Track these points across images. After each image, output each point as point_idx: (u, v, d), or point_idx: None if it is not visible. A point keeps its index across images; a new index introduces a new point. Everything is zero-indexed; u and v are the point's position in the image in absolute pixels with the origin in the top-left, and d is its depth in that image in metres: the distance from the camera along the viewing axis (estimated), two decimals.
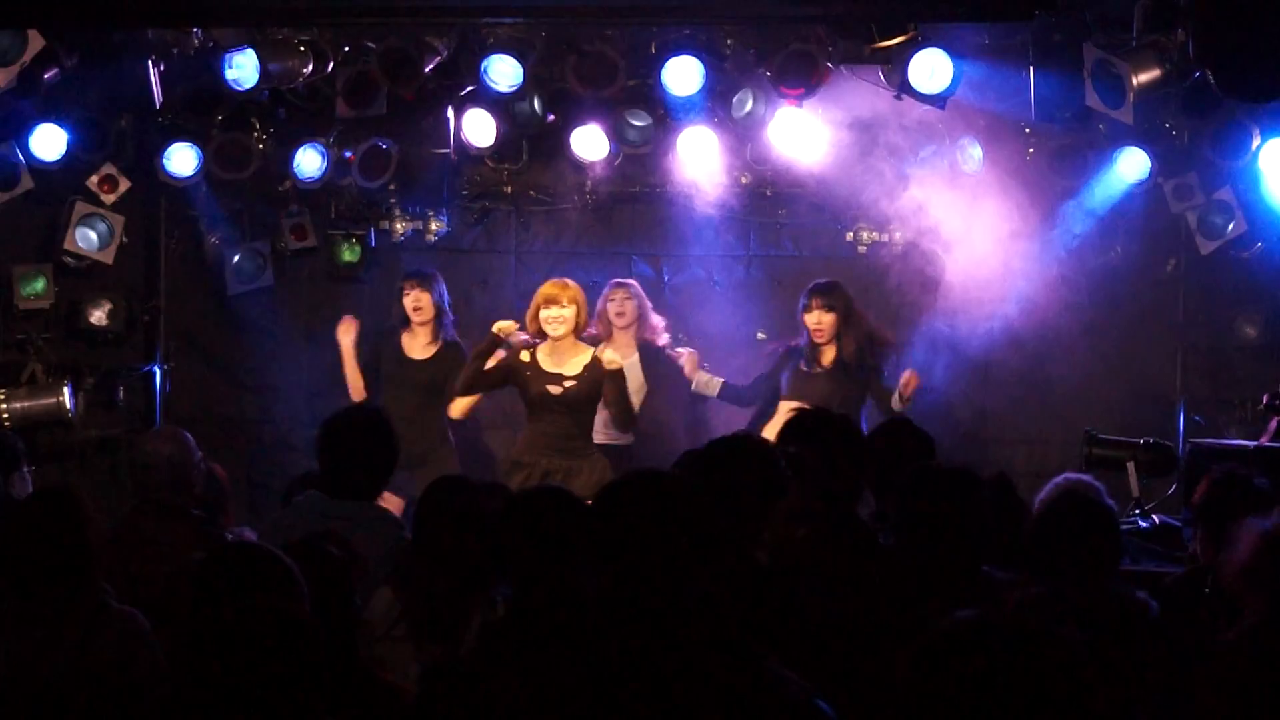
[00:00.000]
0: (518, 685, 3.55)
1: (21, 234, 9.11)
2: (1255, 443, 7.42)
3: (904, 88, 7.98)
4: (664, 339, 8.71)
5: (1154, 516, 7.24)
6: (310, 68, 8.27)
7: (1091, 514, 4.79)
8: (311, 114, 8.85)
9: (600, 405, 7.89)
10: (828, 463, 4.91)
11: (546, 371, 7.83)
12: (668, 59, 8.26)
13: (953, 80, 7.92)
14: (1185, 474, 7.28)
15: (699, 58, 8.25)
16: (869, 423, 7.82)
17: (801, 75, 8.13)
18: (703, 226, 9.52)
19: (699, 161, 8.98)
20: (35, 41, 7.80)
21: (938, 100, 8.05)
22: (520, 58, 8.25)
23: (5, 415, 8.67)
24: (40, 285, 8.96)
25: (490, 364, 7.85)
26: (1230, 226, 8.69)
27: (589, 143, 8.86)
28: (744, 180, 9.31)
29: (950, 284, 9.04)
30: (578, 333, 7.90)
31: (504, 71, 8.35)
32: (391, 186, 9.16)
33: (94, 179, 8.83)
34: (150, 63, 8.17)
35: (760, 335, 9.38)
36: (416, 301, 8.54)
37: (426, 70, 8.25)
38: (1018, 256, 8.87)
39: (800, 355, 8.28)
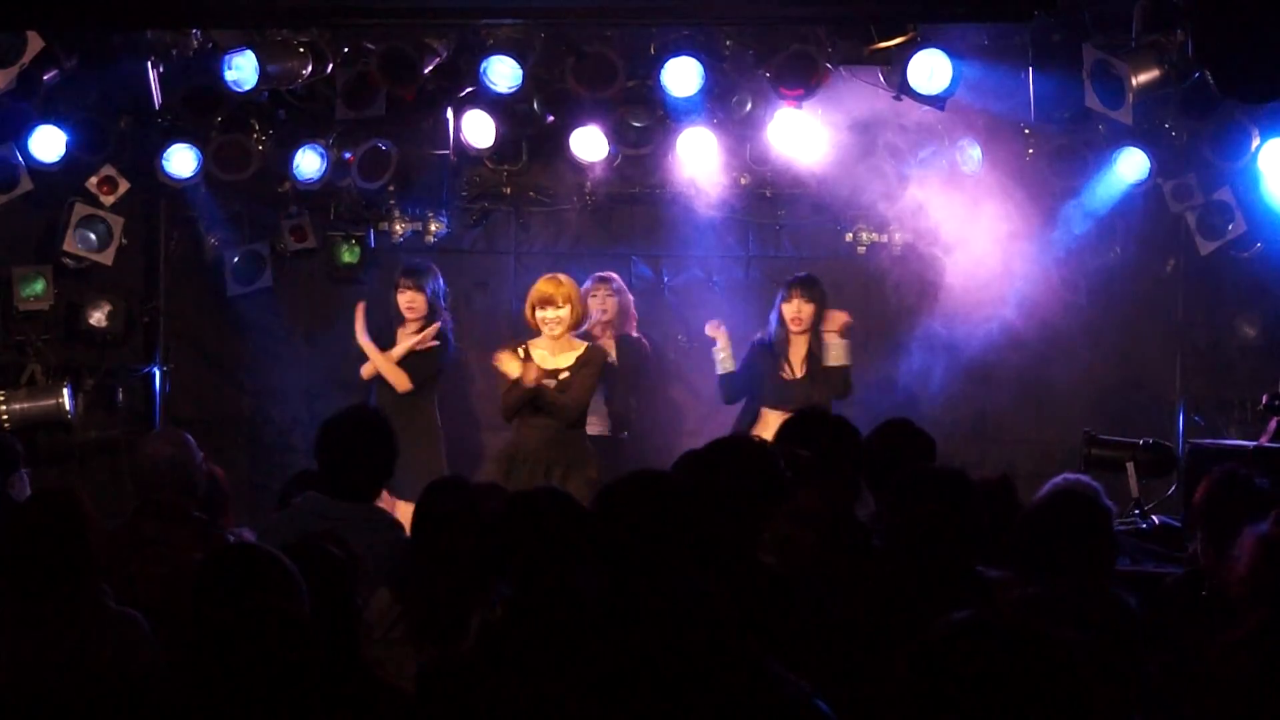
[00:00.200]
0: (516, 685, 3.55)
1: (21, 235, 9.11)
2: (1255, 443, 7.41)
3: (903, 89, 7.98)
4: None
5: (1153, 517, 7.24)
6: (309, 69, 8.27)
7: (1087, 514, 4.79)
8: (311, 115, 8.85)
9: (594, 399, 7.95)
10: (825, 464, 4.91)
11: (541, 368, 7.84)
12: (667, 60, 8.26)
13: (952, 81, 7.92)
14: (1185, 474, 7.27)
15: (698, 59, 8.25)
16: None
17: (801, 76, 8.13)
18: (702, 227, 9.52)
19: (698, 162, 8.98)
20: (34, 43, 7.80)
21: (937, 101, 8.05)
22: (519, 59, 8.26)
23: (5, 417, 8.68)
24: (40, 287, 8.96)
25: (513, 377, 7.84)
26: (1229, 227, 8.68)
27: (588, 144, 8.86)
28: (743, 181, 9.31)
29: (950, 285, 9.04)
30: (574, 329, 7.91)
31: (503, 72, 8.35)
32: (391, 188, 9.16)
33: (93, 180, 8.83)
34: (149, 64, 8.18)
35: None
36: (410, 301, 8.53)
37: (426, 71, 8.25)
38: (1017, 257, 8.87)
39: (770, 351, 8.33)
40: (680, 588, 3.38)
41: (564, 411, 7.79)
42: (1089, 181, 8.67)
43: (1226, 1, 7.04)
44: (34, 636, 4.41)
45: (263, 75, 8.18)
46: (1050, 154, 8.68)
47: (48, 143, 8.56)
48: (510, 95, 8.47)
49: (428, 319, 8.52)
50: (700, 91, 8.33)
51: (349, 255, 9.53)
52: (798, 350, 8.38)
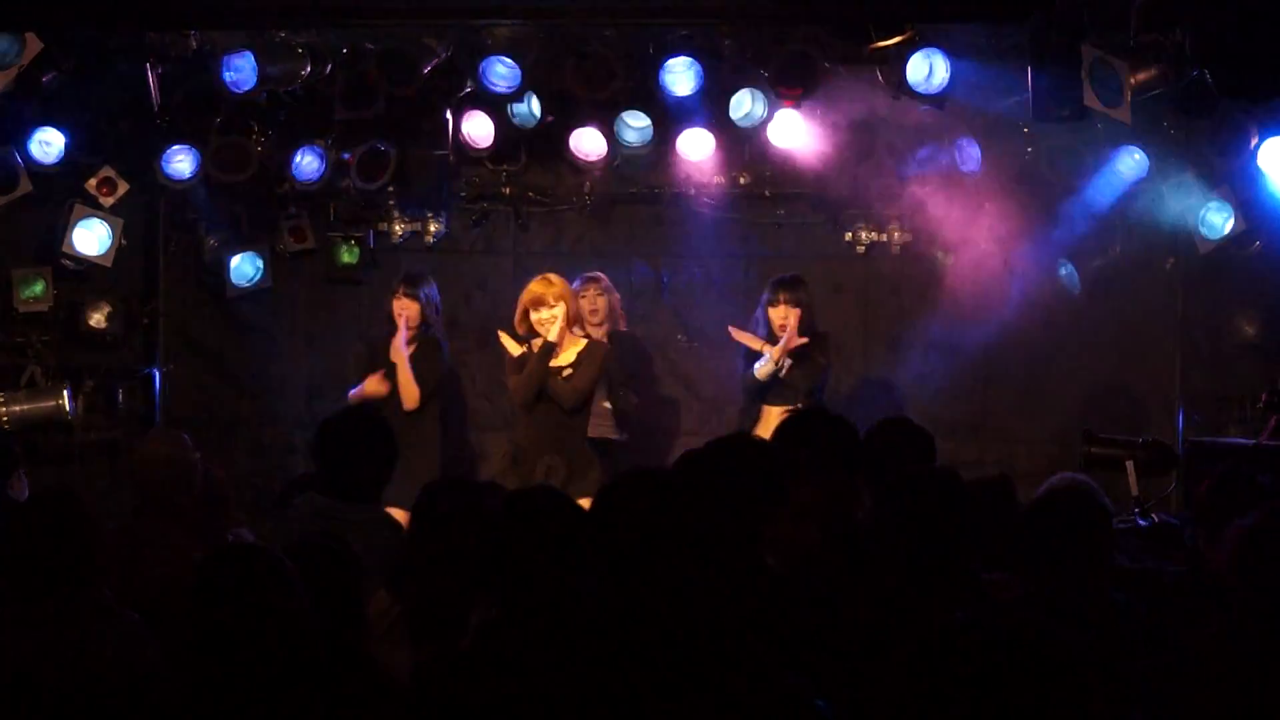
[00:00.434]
0: (514, 685, 3.55)
1: (20, 237, 9.11)
2: (1254, 441, 7.42)
3: (902, 88, 7.98)
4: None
5: (1153, 515, 7.24)
6: (308, 70, 8.27)
7: (1086, 513, 4.79)
8: (310, 116, 8.85)
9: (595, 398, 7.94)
10: (824, 462, 4.90)
11: (544, 340, 7.85)
12: (666, 60, 8.27)
13: (950, 80, 7.92)
14: (1184, 473, 7.28)
15: (697, 59, 8.26)
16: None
17: (799, 76, 8.13)
18: (701, 227, 9.52)
19: (697, 162, 8.98)
20: (34, 45, 7.80)
21: (936, 100, 8.06)
22: (518, 59, 8.26)
23: (5, 418, 8.67)
24: (39, 288, 8.96)
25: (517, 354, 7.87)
26: (1229, 225, 8.68)
27: (587, 144, 8.86)
28: (742, 181, 9.32)
29: (949, 284, 9.05)
30: (570, 325, 7.91)
31: (502, 73, 8.36)
32: (390, 188, 9.16)
33: (93, 182, 8.83)
34: (149, 66, 8.17)
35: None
36: (406, 309, 8.53)
37: (425, 72, 8.25)
38: (1016, 256, 8.87)
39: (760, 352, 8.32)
40: (680, 587, 3.38)
41: (571, 395, 7.80)
42: (1088, 180, 8.67)
43: (1226, 1, 7.05)
44: (34, 637, 4.41)
45: (262, 76, 8.19)
46: (1049, 153, 8.69)
47: (47, 144, 8.57)
48: (509, 96, 8.47)
49: (420, 329, 8.52)
50: (699, 92, 8.34)
51: (348, 256, 9.53)
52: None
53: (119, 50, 8.22)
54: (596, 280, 8.69)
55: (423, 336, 8.57)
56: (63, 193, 8.86)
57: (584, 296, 8.57)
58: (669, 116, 8.71)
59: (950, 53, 7.90)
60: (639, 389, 8.95)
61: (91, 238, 8.85)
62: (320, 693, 3.46)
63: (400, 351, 8.41)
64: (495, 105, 8.67)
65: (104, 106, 8.66)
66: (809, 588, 4.40)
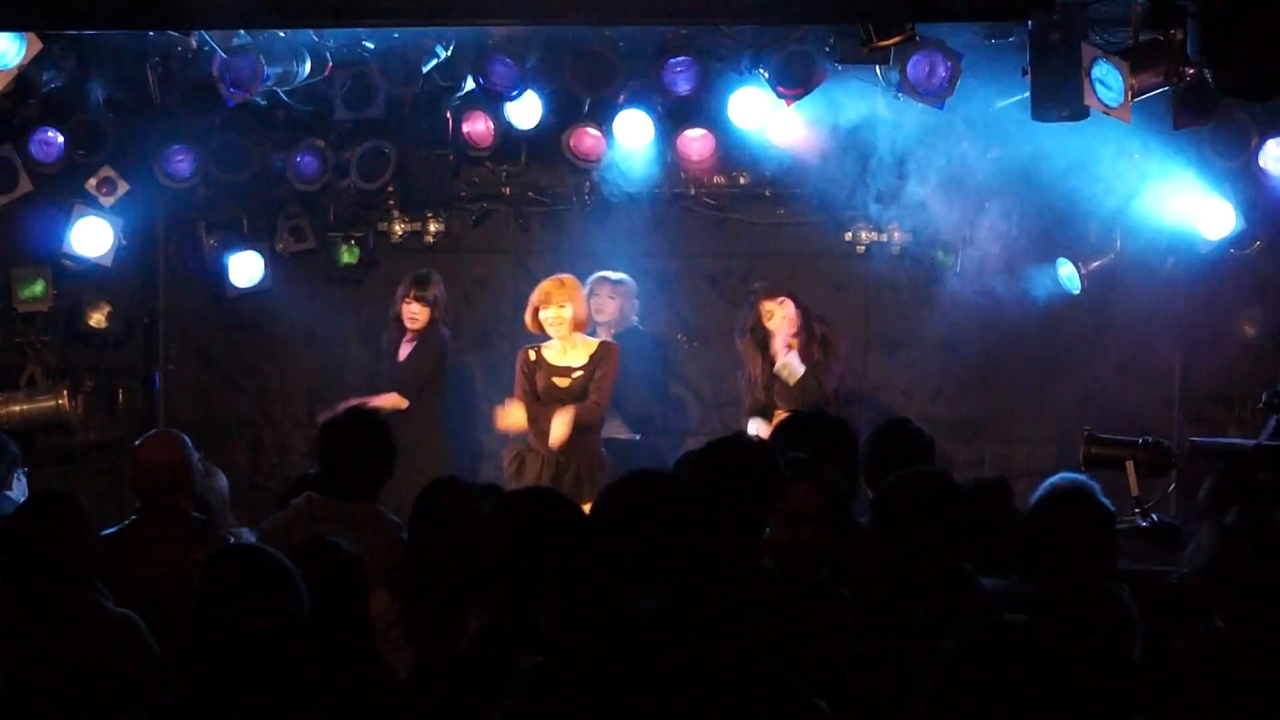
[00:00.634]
0: (513, 684, 3.55)
1: (20, 237, 9.11)
2: (1254, 441, 7.41)
3: (902, 87, 7.98)
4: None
5: (1153, 515, 7.24)
6: (308, 69, 8.26)
7: (1086, 513, 4.78)
8: (310, 116, 8.85)
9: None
10: (823, 463, 4.90)
11: (553, 365, 7.86)
12: (666, 60, 8.26)
13: (950, 80, 7.91)
14: (1184, 473, 7.27)
15: (697, 58, 8.25)
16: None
17: (799, 75, 8.12)
18: (701, 227, 9.52)
19: (697, 162, 8.98)
20: (34, 44, 7.79)
21: (936, 100, 8.05)
22: (518, 59, 8.25)
23: (4, 418, 8.68)
24: (39, 288, 8.97)
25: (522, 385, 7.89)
26: (1229, 225, 8.68)
27: (587, 144, 8.86)
28: (742, 180, 9.32)
29: (949, 284, 9.05)
30: (579, 326, 7.90)
31: (502, 73, 8.35)
32: (390, 188, 9.17)
33: (92, 181, 8.83)
34: (149, 65, 8.17)
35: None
36: (416, 313, 8.57)
37: (425, 71, 8.25)
38: (1017, 256, 8.86)
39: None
40: (680, 588, 3.38)
41: (597, 413, 7.84)
42: (1089, 180, 8.66)
43: (1226, 1, 7.04)
44: (33, 638, 4.42)
45: (261, 76, 8.17)
46: (1050, 153, 8.67)
47: (47, 144, 8.57)
48: (509, 95, 8.46)
49: (426, 331, 8.54)
50: (699, 91, 8.32)
51: (348, 255, 9.54)
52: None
53: (119, 50, 8.21)
54: (608, 282, 8.67)
55: (424, 334, 8.60)
56: (63, 193, 8.86)
57: (595, 296, 8.56)
58: (669, 116, 8.71)
59: (950, 52, 7.90)
60: (652, 388, 8.94)
61: (91, 238, 8.85)
62: (319, 693, 3.46)
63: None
64: (495, 105, 8.66)
65: (104, 106, 8.66)
66: (808, 588, 4.40)
